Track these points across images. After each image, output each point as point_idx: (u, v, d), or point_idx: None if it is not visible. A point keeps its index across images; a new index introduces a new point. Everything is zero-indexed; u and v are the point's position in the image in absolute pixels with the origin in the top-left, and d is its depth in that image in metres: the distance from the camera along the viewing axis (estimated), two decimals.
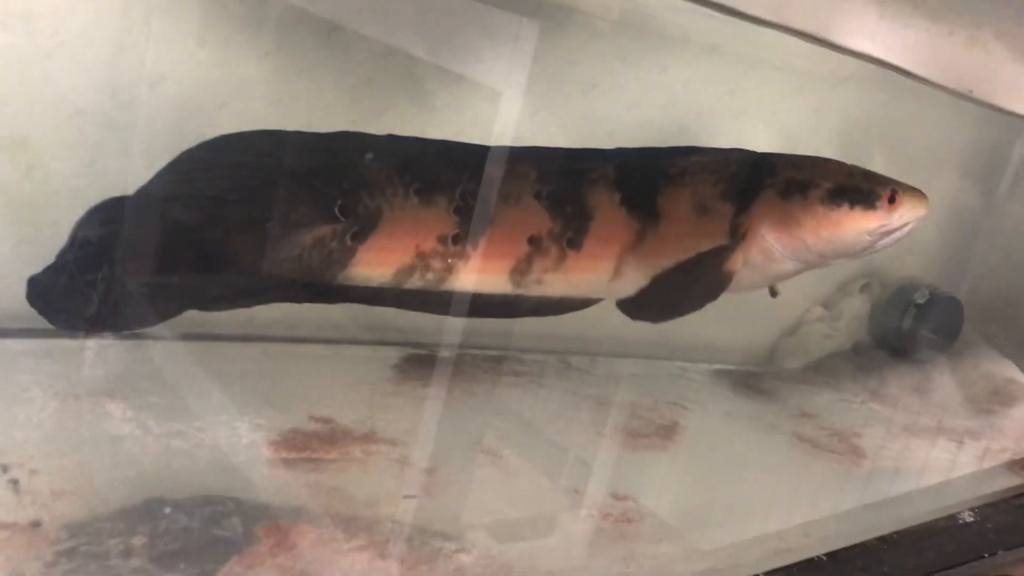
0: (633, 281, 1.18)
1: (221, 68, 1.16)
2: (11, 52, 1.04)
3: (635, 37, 1.46)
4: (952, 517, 1.34)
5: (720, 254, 1.17)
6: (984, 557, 1.26)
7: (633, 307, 1.18)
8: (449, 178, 1.11)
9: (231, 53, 1.16)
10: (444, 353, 1.40)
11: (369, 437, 1.10)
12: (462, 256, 1.11)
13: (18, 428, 0.94)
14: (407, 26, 1.22)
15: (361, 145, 1.11)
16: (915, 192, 1.18)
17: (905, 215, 1.17)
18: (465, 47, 1.24)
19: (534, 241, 1.14)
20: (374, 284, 1.11)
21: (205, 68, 1.15)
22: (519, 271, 1.14)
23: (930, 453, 1.61)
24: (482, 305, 1.17)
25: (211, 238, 1.05)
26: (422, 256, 1.10)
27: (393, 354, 1.38)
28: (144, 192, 1.03)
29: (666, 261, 1.18)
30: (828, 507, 1.33)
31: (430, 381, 1.33)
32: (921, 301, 2.00)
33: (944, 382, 1.98)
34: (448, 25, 1.22)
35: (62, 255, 1.02)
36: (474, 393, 1.34)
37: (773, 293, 1.29)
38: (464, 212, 1.10)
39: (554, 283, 1.16)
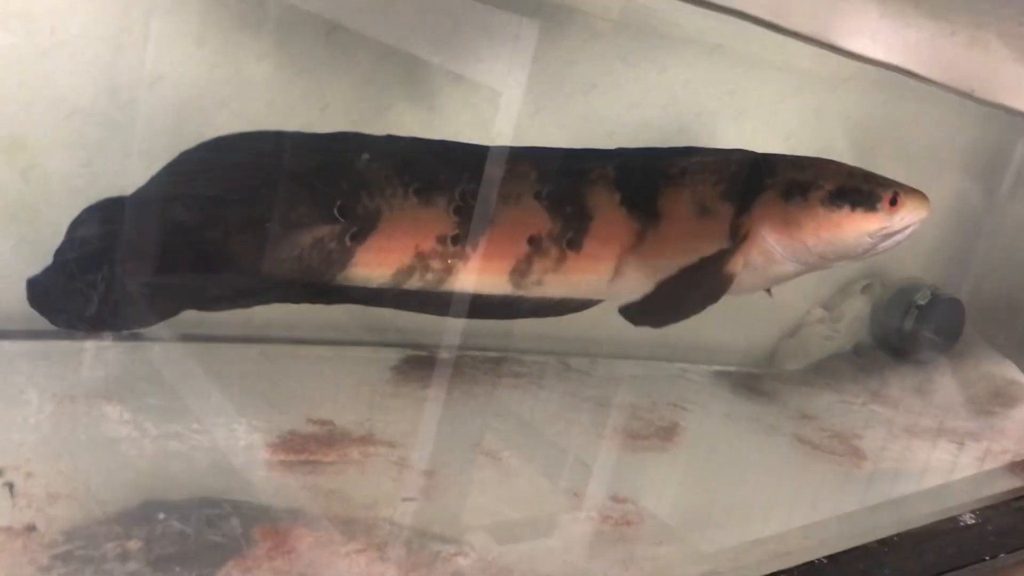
0: (633, 282, 1.18)
1: (220, 68, 1.15)
2: (9, 52, 1.03)
3: (635, 37, 1.46)
4: (953, 519, 1.34)
5: (721, 257, 1.16)
6: (985, 560, 1.26)
7: (637, 313, 1.18)
8: (448, 178, 1.10)
9: (230, 53, 1.15)
10: (443, 354, 1.40)
11: (367, 439, 1.09)
12: (461, 257, 1.11)
13: (14, 430, 0.93)
14: (406, 26, 1.22)
15: (360, 146, 1.11)
16: (916, 194, 1.18)
17: (906, 217, 1.16)
18: (465, 47, 1.23)
19: (534, 241, 1.13)
20: (373, 285, 1.10)
21: (204, 68, 1.15)
22: (519, 272, 1.14)
23: (931, 455, 1.61)
24: (482, 306, 1.16)
25: (210, 238, 1.04)
26: (421, 257, 1.10)
27: (392, 355, 1.37)
28: (143, 192, 1.03)
29: (666, 262, 1.18)
30: (828, 509, 1.32)
31: (429, 382, 1.33)
32: (922, 302, 2.00)
33: (945, 383, 1.97)
34: (448, 25, 1.22)
35: (60, 255, 1.01)
36: (473, 395, 1.34)
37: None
38: (463, 212, 1.10)
39: (554, 284, 1.16)
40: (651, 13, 1.41)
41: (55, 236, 1.02)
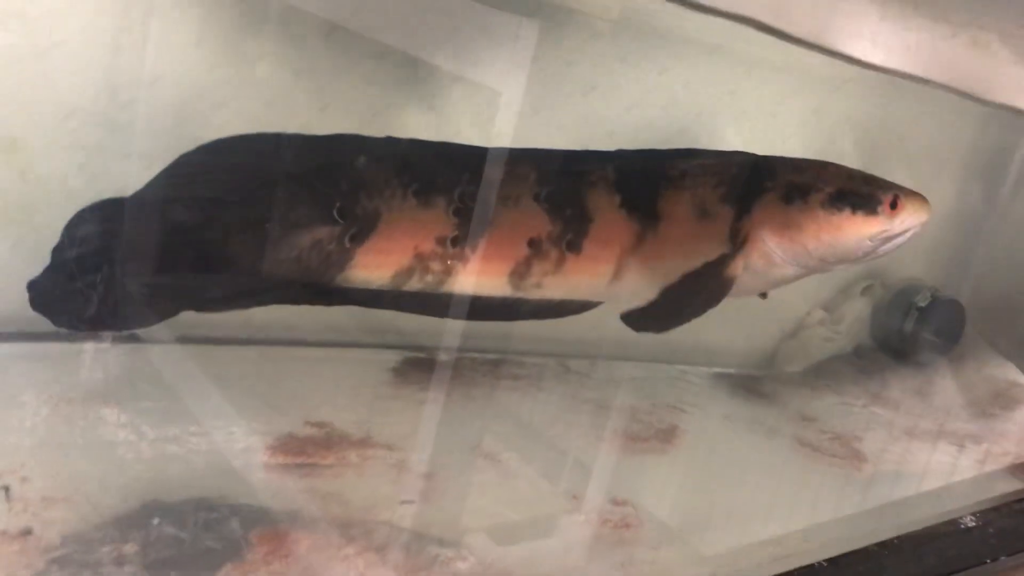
0: (633, 284, 1.18)
1: (218, 69, 1.15)
2: (7, 52, 1.03)
3: (635, 37, 1.46)
4: (954, 522, 1.33)
5: (722, 261, 1.16)
6: (986, 562, 1.26)
7: (639, 319, 1.18)
8: (448, 180, 1.10)
9: (228, 54, 1.15)
10: (443, 356, 1.40)
11: (366, 441, 1.09)
12: (461, 258, 1.10)
13: (10, 434, 0.93)
14: (406, 26, 1.22)
15: (359, 147, 1.10)
16: (917, 197, 1.17)
17: (907, 220, 1.16)
18: (464, 47, 1.23)
19: (533, 243, 1.13)
20: (373, 286, 1.10)
21: (202, 69, 1.14)
22: (518, 274, 1.14)
23: (932, 457, 1.61)
24: (481, 308, 1.16)
25: (209, 239, 1.04)
26: (420, 258, 1.10)
27: (391, 357, 1.37)
28: (142, 194, 1.03)
29: (666, 264, 1.17)
30: (828, 512, 1.32)
31: (428, 384, 1.33)
32: (923, 304, 1.99)
33: (946, 385, 1.97)
34: (447, 25, 1.22)
35: (58, 255, 1.01)
36: (472, 397, 1.33)
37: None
38: (463, 214, 1.09)
39: (553, 286, 1.16)
40: (651, 13, 1.41)
41: (53, 238, 1.01)
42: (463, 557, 0.93)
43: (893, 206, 1.15)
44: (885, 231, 1.16)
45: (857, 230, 1.15)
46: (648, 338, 1.22)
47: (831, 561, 1.12)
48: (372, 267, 1.08)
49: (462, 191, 1.09)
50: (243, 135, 1.08)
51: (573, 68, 1.42)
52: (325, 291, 1.09)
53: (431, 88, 1.31)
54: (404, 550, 0.92)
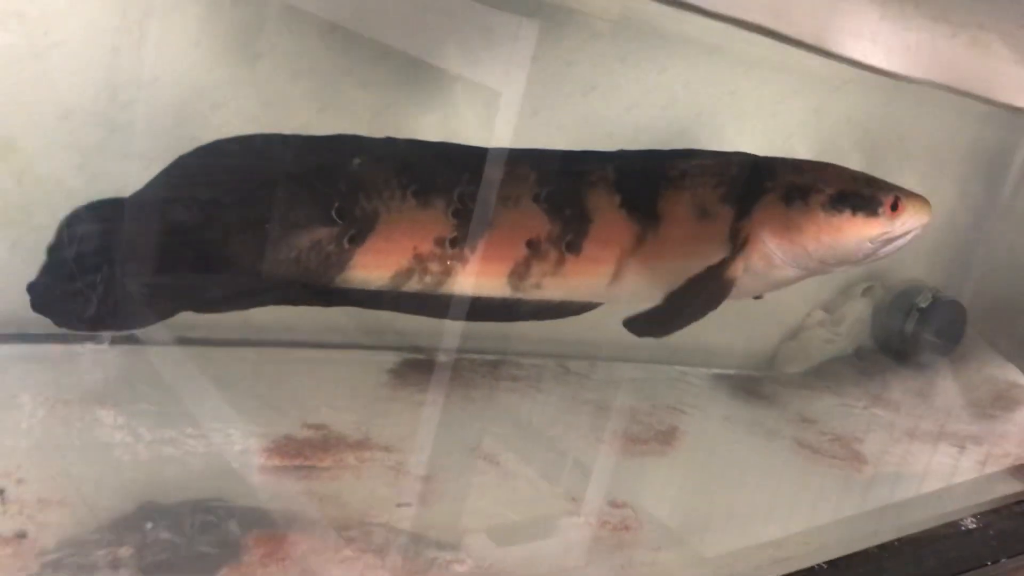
0: (633, 285, 1.17)
1: (216, 69, 1.14)
2: (4, 53, 1.03)
3: (635, 37, 1.45)
4: (954, 524, 1.33)
5: (723, 264, 1.16)
6: (987, 565, 1.26)
7: (642, 325, 1.18)
8: (447, 180, 1.09)
9: (226, 54, 1.15)
10: (441, 357, 1.39)
11: (363, 443, 1.09)
12: (460, 259, 1.10)
13: (5, 435, 0.93)
14: (405, 26, 1.21)
15: (358, 148, 1.10)
16: (918, 199, 1.17)
17: (908, 222, 1.15)
18: (463, 47, 1.23)
19: (532, 244, 1.13)
20: (372, 287, 1.10)
21: (200, 69, 1.14)
22: (517, 274, 1.13)
23: (932, 458, 1.60)
24: (481, 309, 1.16)
25: (208, 240, 1.04)
26: (419, 259, 1.09)
27: (390, 358, 1.36)
28: (140, 196, 1.02)
29: (666, 265, 1.17)
30: (828, 514, 1.32)
31: (427, 386, 1.32)
32: (924, 305, 1.99)
33: (947, 386, 1.97)
34: (446, 25, 1.21)
35: (55, 254, 1.00)
36: (471, 398, 1.33)
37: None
38: (462, 215, 1.09)
39: (553, 287, 1.15)
40: (651, 13, 1.40)
41: (49, 239, 1.01)
42: (461, 560, 0.92)
43: (894, 208, 1.15)
44: (886, 233, 1.15)
45: (858, 232, 1.15)
46: (648, 339, 1.22)
47: (831, 563, 1.12)
48: (371, 268, 1.08)
49: (461, 192, 1.09)
50: (242, 136, 1.07)
51: (573, 68, 1.42)
52: (324, 292, 1.09)
53: (429, 89, 1.31)
54: (401, 553, 0.91)
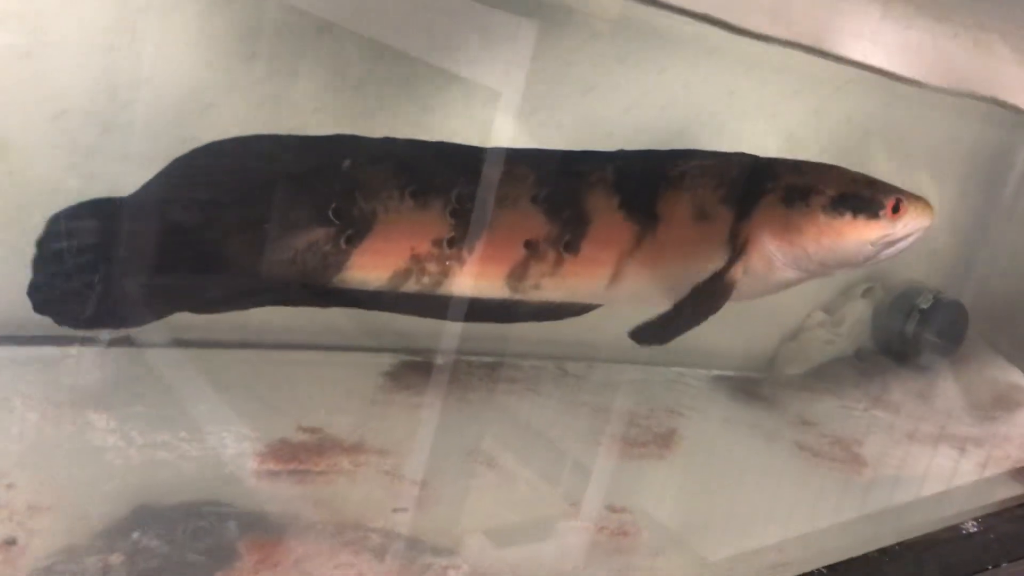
0: (631, 286, 1.17)
1: (209, 69, 1.14)
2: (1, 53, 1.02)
3: (634, 37, 1.45)
4: (955, 527, 1.33)
5: (724, 267, 1.15)
6: (988, 569, 1.25)
7: (647, 335, 1.17)
8: (445, 181, 1.09)
9: (219, 54, 1.14)
10: (438, 359, 1.39)
11: (358, 447, 1.08)
12: (458, 260, 1.10)
13: None
14: (402, 26, 1.21)
15: (356, 148, 1.10)
16: (920, 201, 1.16)
17: (909, 225, 1.15)
18: (462, 47, 1.22)
19: (531, 245, 1.12)
20: (369, 288, 1.09)
21: (193, 69, 1.13)
22: (516, 276, 1.13)
23: (933, 461, 1.60)
24: (479, 310, 1.16)
25: (206, 241, 1.03)
26: (417, 260, 1.09)
27: (386, 360, 1.36)
28: (137, 197, 1.02)
29: (665, 266, 1.17)
30: (828, 518, 1.31)
31: (423, 388, 1.32)
32: (925, 306, 1.99)
33: (948, 388, 1.97)
34: (444, 25, 1.21)
35: (50, 252, 0.99)
36: (468, 401, 1.32)
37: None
38: (460, 215, 1.09)
39: (551, 288, 1.15)
40: (650, 13, 1.40)
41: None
42: (457, 565, 0.92)
43: (895, 210, 1.14)
44: (887, 235, 1.15)
45: (858, 234, 1.14)
46: None
47: (831, 568, 1.11)
48: (368, 268, 1.08)
49: (459, 192, 1.09)
50: (239, 137, 1.07)
51: (572, 68, 1.41)
52: (321, 292, 1.08)
53: (427, 88, 1.30)
54: (397, 558, 0.91)
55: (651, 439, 1.36)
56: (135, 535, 0.82)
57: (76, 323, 1.03)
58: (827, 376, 1.89)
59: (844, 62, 1.10)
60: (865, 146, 1.76)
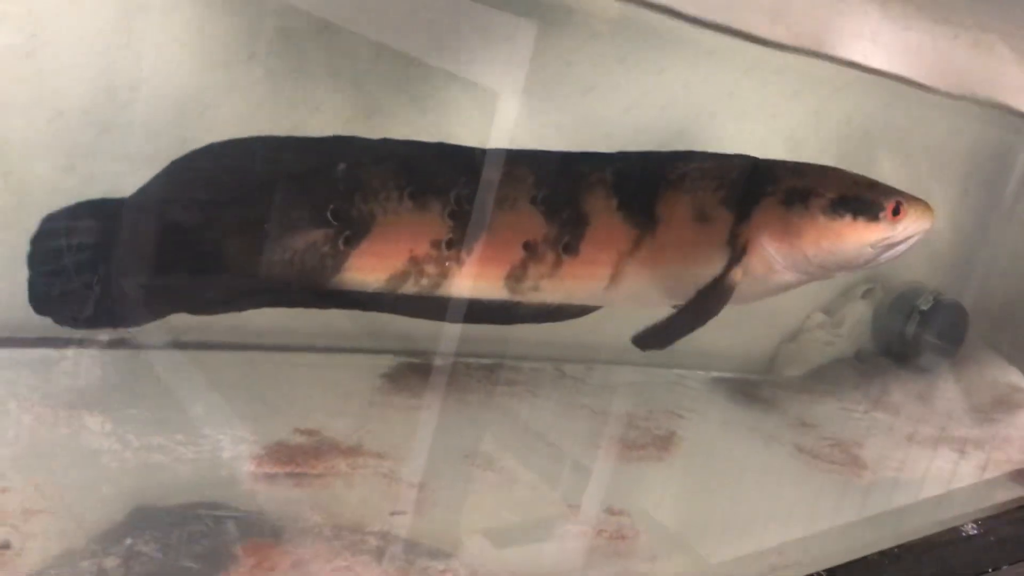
0: (631, 288, 1.17)
1: (206, 71, 1.13)
2: None
3: (634, 38, 1.44)
4: (955, 530, 1.33)
5: (723, 270, 1.15)
6: (988, 571, 1.25)
7: (649, 341, 1.18)
8: (444, 182, 1.09)
9: (217, 55, 1.14)
10: (437, 361, 1.38)
11: (356, 450, 1.08)
12: (456, 261, 1.10)
13: None
14: (401, 26, 1.20)
15: (355, 149, 1.10)
16: (920, 203, 1.16)
17: (909, 227, 1.15)
18: (461, 47, 1.22)
19: (530, 247, 1.12)
20: (368, 289, 1.09)
21: (190, 70, 1.13)
22: (514, 277, 1.13)
23: (932, 463, 1.60)
24: (478, 311, 1.15)
25: (204, 242, 1.03)
26: (416, 261, 1.09)
27: (384, 362, 1.36)
28: (135, 199, 1.01)
29: (664, 268, 1.16)
30: (828, 521, 1.31)
31: (421, 391, 1.32)
32: (925, 307, 1.98)
33: (948, 390, 1.96)
34: (443, 25, 1.20)
35: (43, 251, 0.99)
36: (467, 403, 1.32)
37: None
38: (459, 217, 1.09)
39: (550, 289, 1.15)
40: (650, 14, 1.39)
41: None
42: (454, 569, 0.92)
43: (895, 212, 1.14)
44: (887, 238, 1.15)
45: (858, 237, 1.14)
46: None
47: (831, 571, 1.11)
48: (367, 270, 1.08)
49: (458, 193, 1.09)
50: (238, 138, 1.06)
51: (571, 68, 1.41)
52: (320, 294, 1.08)
53: (426, 89, 1.30)
54: (394, 562, 0.90)
55: (650, 441, 1.36)
56: (131, 539, 0.82)
57: (74, 323, 1.03)
58: (827, 378, 1.89)
59: (844, 64, 1.09)
60: (865, 147, 1.76)
